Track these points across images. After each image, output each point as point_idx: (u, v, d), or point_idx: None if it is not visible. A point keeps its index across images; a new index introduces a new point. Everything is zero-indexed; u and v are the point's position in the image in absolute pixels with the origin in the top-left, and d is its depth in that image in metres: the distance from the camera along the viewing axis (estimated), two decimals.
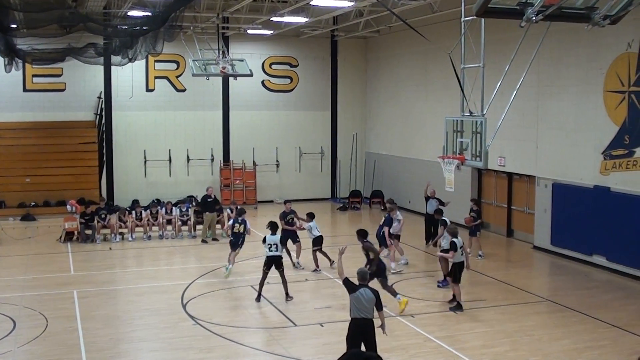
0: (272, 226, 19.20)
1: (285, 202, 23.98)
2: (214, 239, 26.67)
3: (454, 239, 17.76)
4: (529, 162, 25.37)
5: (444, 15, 26.70)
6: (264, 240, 18.85)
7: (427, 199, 26.12)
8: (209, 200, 27.18)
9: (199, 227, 27.58)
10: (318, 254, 21.93)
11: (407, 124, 33.81)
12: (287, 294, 18.62)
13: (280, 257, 18.86)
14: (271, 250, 18.65)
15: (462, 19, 17.34)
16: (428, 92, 31.73)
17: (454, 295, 18.09)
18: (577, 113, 23.05)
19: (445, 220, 21.45)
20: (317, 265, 21.81)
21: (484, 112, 17.19)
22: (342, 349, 14.77)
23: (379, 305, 12.71)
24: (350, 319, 12.66)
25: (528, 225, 26.23)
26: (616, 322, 16.78)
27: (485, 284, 20.47)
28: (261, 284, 18.62)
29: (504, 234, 27.76)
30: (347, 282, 12.84)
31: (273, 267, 18.63)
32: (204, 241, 26.49)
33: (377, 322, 12.76)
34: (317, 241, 22.11)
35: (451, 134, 18.44)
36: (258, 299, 18.45)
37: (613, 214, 21.56)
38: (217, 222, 27.45)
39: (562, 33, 22.51)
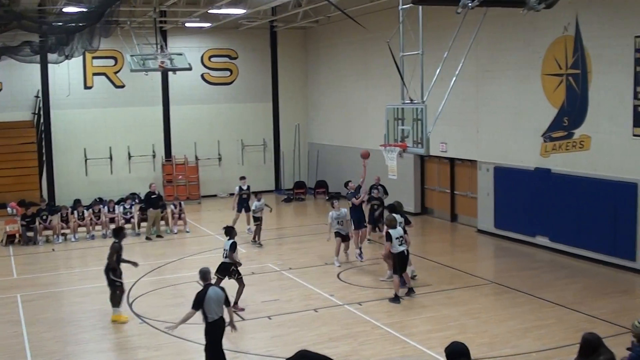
0: (227, 231, 17.93)
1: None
2: (159, 236, 26.43)
3: (390, 230, 17.75)
4: (471, 147, 25.61)
5: (382, 4, 26.77)
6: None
7: (372, 187, 26.17)
8: (152, 196, 26.95)
9: (143, 224, 27.32)
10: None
11: (349, 113, 33.87)
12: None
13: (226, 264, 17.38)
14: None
15: (400, 7, 17.38)
16: (368, 81, 31.81)
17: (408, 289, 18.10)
18: (516, 97, 23.31)
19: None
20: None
21: (424, 99, 17.29)
22: (292, 341, 14.83)
23: (227, 302, 12.51)
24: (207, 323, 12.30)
25: (471, 210, 26.48)
26: (560, 301, 17.05)
27: (431, 269, 20.62)
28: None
29: (448, 218, 28.01)
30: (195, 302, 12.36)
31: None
32: (148, 238, 26.25)
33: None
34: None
35: (392, 122, 18.50)
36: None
37: (554, 195, 21.87)
38: (162, 219, 27.21)
39: (499, 18, 22.71)
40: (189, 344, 14.93)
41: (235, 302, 17.00)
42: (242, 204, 25.87)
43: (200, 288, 12.53)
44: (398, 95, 18.30)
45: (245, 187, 25.99)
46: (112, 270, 16.59)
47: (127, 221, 27.45)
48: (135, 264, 17.43)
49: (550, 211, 22.12)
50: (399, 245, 17.53)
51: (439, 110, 17.37)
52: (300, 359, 2.83)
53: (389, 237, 17.52)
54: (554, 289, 18.23)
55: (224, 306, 12.44)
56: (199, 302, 12.25)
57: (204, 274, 12.76)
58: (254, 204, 24.14)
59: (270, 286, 19.43)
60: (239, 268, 17.14)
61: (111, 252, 16.67)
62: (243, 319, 16.45)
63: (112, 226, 27.01)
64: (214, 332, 12.31)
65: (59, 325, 16.49)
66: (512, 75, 23.44)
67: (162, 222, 27.26)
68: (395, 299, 17.49)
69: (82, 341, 15.55)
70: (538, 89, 22.29)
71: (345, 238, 21.34)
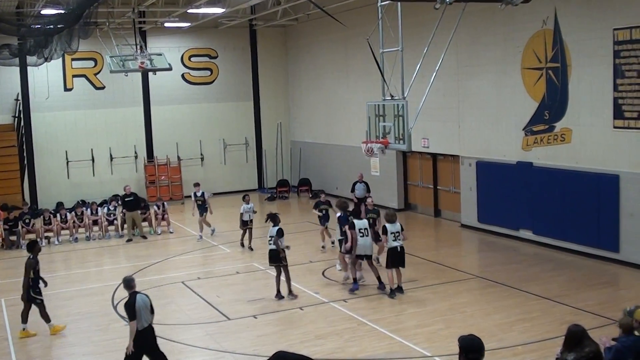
0: (272, 218, 18.23)
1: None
2: (143, 237, 26.33)
3: (387, 224, 17.75)
4: (453, 142, 25.67)
5: (361, 1, 26.76)
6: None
7: (355, 183, 26.23)
8: (127, 199, 26.75)
9: (126, 226, 27.25)
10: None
11: (330, 110, 33.88)
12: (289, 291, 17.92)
13: (274, 252, 17.82)
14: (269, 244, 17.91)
15: (379, 4, 17.40)
16: (349, 78, 31.82)
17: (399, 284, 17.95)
18: (497, 91, 23.38)
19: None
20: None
21: (405, 95, 17.32)
22: (277, 340, 14.83)
23: (152, 309, 12.38)
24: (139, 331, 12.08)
25: (455, 205, 26.55)
26: (545, 293, 17.12)
27: (416, 265, 20.64)
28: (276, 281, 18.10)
29: (432, 214, 28.07)
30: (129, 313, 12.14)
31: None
32: (129, 240, 26.14)
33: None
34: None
35: (373, 118, 18.50)
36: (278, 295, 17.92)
37: (537, 188, 21.96)
38: (144, 220, 27.13)
39: (478, 13, 22.79)
40: (174, 345, 14.90)
41: (290, 291, 17.73)
42: (200, 209, 25.98)
43: (128, 298, 12.27)
44: (379, 92, 18.31)
45: (199, 194, 26.00)
46: (31, 288, 15.90)
47: (111, 223, 27.36)
48: (45, 283, 16.47)
49: (533, 205, 22.20)
50: (393, 240, 17.56)
51: (420, 106, 17.41)
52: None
53: (385, 231, 17.56)
54: (538, 282, 18.30)
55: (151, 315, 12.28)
56: (133, 311, 11.99)
57: (128, 282, 12.40)
58: (242, 207, 23.62)
59: (255, 285, 19.40)
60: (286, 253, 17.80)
61: (27, 269, 15.81)
62: (228, 319, 16.44)
63: (96, 228, 27.00)
64: (141, 341, 12.10)
65: (44, 330, 16.36)
66: (492, 70, 23.51)
67: (145, 224, 27.17)
68: (391, 292, 17.59)
69: (66, 344, 15.49)
70: (518, 83, 22.37)
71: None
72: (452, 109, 25.31)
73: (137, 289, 12.38)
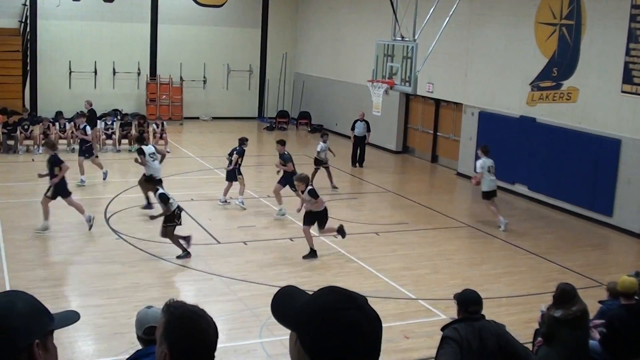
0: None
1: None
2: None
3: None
4: (457, 90, 25.57)
5: None
6: None
7: (355, 121, 26.20)
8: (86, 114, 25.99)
9: (124, 141, 27.23)
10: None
11: (338, 46, 33.63)
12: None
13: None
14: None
15: None
16: (361, 14, 31.50)
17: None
18: (507, 43, 23.22)
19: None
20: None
21: (416, 38, 17.22)
22: (264, 267, 14.98)
23: None
24: None
25: (453, 152, 26.56)
26: (534, 249, 17.23)
27: (408, 208, 20.76)
28: None
29: (429, 159, 28.08)
30: None
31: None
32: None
33: None
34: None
35: (381, 57, 18.46)
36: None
37: (537, 144, 21.95)
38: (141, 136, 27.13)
39: None
40: (163, 263, 15.06)
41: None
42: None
43: None
44: (389, 32, 18.23)
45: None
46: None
47: (109, 137, 27.33)
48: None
49: (531, 160, 22.22)
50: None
51: (429, 50, 17.33)
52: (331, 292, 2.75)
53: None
54: (529, 237, 18.40)
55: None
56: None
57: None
58: (319, 145, 22.62)
59: (247, 212, 19.47)
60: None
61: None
62: (219, 242, 16.56)
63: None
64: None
65: (36, 235, 16.48)
66: (504, 21, 23.31)
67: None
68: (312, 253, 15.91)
69: (58, 253, 15.64)
70: (530, 36, 22.20)
71: None
72: (461, 56, 25.14)
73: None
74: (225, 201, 19.82)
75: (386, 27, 21.20)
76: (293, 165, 19.37)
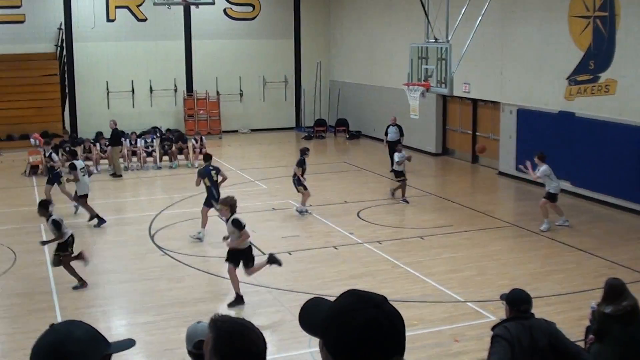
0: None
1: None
2: (117, 175, 25.67)
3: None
4: (494, 88, 25.41)
5: None
6: None
7: (388, 126, 26.11)
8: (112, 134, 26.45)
9: (165, 158, 27.47)
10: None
11: (372, 51, 33.62)
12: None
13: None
14: None
15: None
16: (392, 18, 31.47)
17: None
18: (541, 39, 23.04)
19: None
20: None
21: (449, 39, 17.16)
22: (311, 276, 14.97)
23: None
24: None
25: (493, 152, 26.36)
26: (581, 245, 17.03)
27: (451, 210, 20.65)
28: None
29: (469, 160, 27.92)
30: None
31: None
32: (113, 175, 25.88)
33: None
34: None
35: (416, 60, 18.42)
36: None
37: (577, 139, 21.73)
38: (180, 153, 27.41)
39: None
40: (209, 277, 15.12)
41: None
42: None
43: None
44: (422, 34, 18.19)
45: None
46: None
47: (149, 154, 27.59)
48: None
49: (573, 155, 21.99)
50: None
51: (464, 50, 17.26)
52: (352, 296, 2.73)
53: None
54: (574, 233, 18.19)
55: None
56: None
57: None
58: (395, 155, 21.85)
59: (290, 222, 19.54)
60: None
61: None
62: (263, 254, 16.59)
63: (134, 159, 27.20)
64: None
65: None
66: (537, 17, 23.13)
67: (182, 157, 27.34)
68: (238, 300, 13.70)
69: (103, 271, 15.76)
70: (564, 31, 22.01)
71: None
72: (496, 54, 24.99)
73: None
74: (305, 211, 19.91)
75: (419, 30, 21.16)
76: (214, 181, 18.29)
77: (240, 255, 13.43)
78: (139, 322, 12.79)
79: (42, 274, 15.41)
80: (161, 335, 12.22)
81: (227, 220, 13.41)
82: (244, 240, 13.36)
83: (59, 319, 11.02)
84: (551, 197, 18.46)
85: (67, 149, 22.13)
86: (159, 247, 17.13)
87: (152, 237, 18.00)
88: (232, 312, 14.01)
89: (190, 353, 6.48)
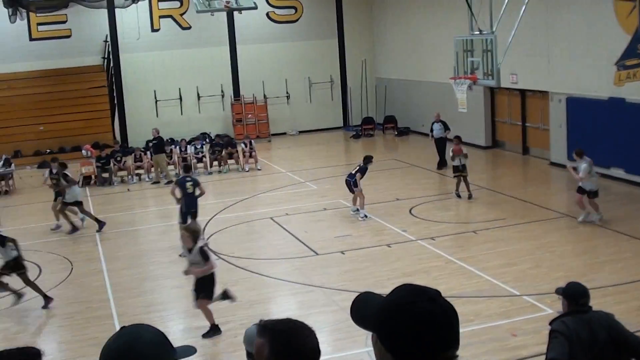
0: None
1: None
2: (169, 182, 25.12)
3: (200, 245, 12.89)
4: (542, 78, 25.12)
5: None
6: None
7: (432, 123, 25.91)
8: (153, 142, 26.79)
9: (215, 163, 27.63)
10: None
11: (416, 46, 33.46)
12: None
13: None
14: None
15: None
16: (436, 12, 31.30)
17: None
18: (587, 24, 22.71)
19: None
20: None
21: (494, 30, 17.01)
22: (364, 275, 14.95)
23: None
24: None
25: (544, 142, 26.08)
26: (637, 234, 16.72)
27: (504, 203, 20.47)
28: None
29: (520, 151, 27.64)
30: None
31: None
32: (155, 182, 26.30)
33: None
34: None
35: (461, 54, 18.30)
36: None
37: (629, 125, 21.40)
38: (230, 158, 27.59)
39: None
40: (264, 279, 15.19)
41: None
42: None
43: None
44: (466, 26, 18.06)
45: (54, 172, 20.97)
46: None
47: (199, 160, 27.78)
48: None
49: (625, 142, 21.65)
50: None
51: (509, 40, 17.09)
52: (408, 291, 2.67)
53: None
54: (630, 221, 17.86)
55: None
56: None
57: None
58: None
59: (342, 222, 19.53)
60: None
61: None
62: (316, 254, 16.62)
63: (200, 165, 27.38)
64: None
65: (136, 262, 16.91)
66: (582, 2, 22.80)
67: (232, 161, 27.47)
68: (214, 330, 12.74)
69: (159, 277, 15.94)
70: (610, 14, 21.65)
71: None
72: (541, 43, 24.70)
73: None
74: (357, 210, 19.83)
75: (463, 23, 21.00)
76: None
77: (204, 283, 12.51)
78: (195, 326, 12.87)
79: (99, 282, 15.62)
80: (218, 339, 12.30)
81: (189, 250, 12.45)
82: (209, 271, 12.49)
83: (117, 327, 11.14)
84: (593, 195, 17.93)
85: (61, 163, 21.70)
86: (213, 251, 17.22)
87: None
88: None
89: (249, 354, 6.51)
